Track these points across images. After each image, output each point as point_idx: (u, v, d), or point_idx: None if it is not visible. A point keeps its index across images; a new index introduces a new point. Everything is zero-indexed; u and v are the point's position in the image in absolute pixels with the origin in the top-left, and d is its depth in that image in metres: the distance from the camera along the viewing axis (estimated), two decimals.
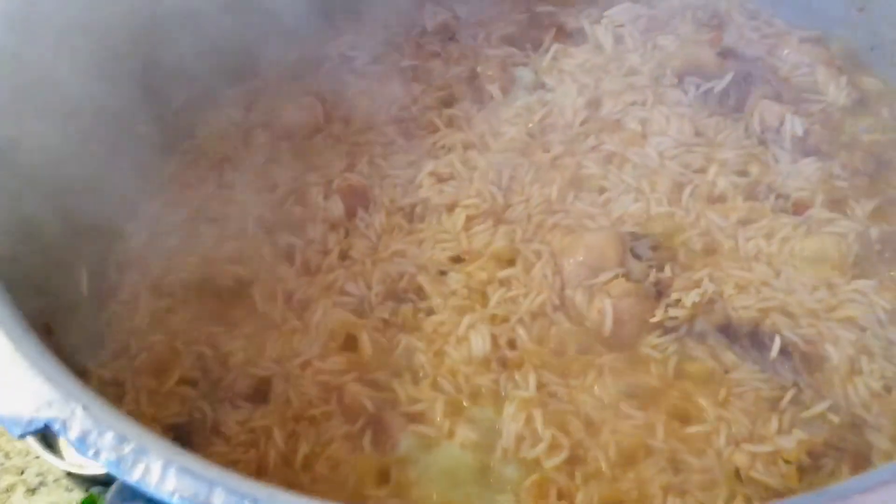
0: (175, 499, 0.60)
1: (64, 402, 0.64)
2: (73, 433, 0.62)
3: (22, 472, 1.21)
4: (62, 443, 1.18)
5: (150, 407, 1.03)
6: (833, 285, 1.07)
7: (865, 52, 1.31)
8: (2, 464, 1.22)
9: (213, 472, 0.62)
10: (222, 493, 0.61)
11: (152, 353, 1.08)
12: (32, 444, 1.18)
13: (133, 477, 0.62)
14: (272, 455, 0.99)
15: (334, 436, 1.00)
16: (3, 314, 0.74)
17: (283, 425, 1.01)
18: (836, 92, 1.25)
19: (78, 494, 1.19)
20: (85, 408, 0.63)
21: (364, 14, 1.44)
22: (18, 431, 0.63)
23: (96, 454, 0.61)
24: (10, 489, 1.20)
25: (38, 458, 1.19)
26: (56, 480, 1.20)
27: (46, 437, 1.18)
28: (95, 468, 1.15)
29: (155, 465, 0.61)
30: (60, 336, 0.97)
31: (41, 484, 1.20)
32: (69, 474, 1.19)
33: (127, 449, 0.62)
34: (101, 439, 0.62)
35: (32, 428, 0.63)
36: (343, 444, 0.99)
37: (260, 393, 1.04)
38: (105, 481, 1.17)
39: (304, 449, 0.99)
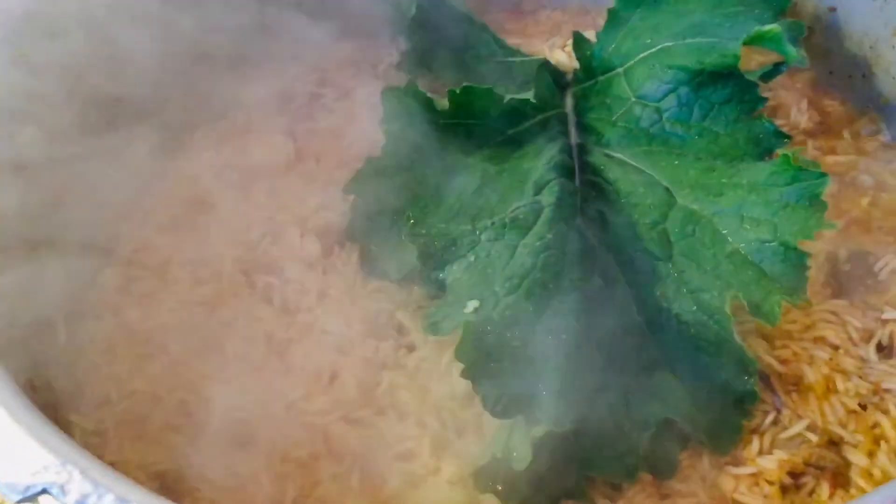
0: None
1: (61, 466, 0.64)
2: (72, 497, 0.62)
3: None
4: None
5: (135, 455, 1.02)
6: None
7: (825, 76, 1.34)
8: None
9: None
10: None
11: (134, 401, 1.07)
12: None
13: None
14: (260, 500, 0.98)
15: (322, 477, 1.00)
16: None
17: (269, 468, 1.00)
18: (797, 115, 1.28)
19: None
20: (83, 471, 0.63)
21: (331, 49, 1.44)
22: (16, 497, 0.62)
23: None
24: None
25: None
26: None
27: None
28: None
29: None
30: (42, 391, 0.97)
31: None
32: None
33: None
34: (100, 502, 0.62)
35: (30, 493, 0.63)
36: (331, 485, 0.99)
37: (245, 437, 1.03)
38: None
39: (291, 492, 0.99)
